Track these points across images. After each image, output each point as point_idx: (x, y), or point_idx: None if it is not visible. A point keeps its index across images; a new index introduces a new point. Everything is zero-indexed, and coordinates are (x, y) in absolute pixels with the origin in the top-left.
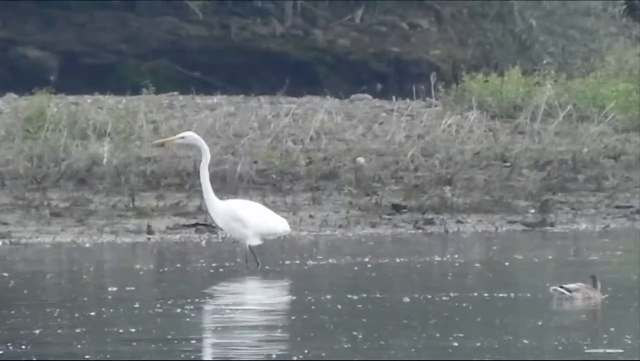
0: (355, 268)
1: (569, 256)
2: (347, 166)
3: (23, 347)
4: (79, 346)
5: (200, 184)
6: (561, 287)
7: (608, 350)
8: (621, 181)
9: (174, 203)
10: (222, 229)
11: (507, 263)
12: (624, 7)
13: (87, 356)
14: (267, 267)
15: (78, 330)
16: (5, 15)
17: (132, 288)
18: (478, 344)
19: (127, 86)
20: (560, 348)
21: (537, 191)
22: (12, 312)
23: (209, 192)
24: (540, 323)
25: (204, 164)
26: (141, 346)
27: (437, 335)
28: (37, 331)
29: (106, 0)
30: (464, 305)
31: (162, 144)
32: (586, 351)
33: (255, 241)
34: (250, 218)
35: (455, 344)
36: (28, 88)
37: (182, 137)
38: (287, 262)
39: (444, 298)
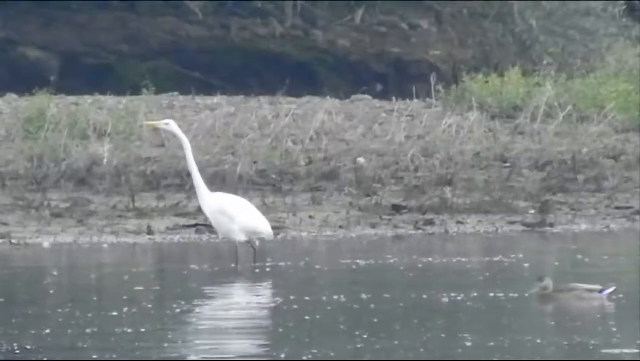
0: (357, 269)
1: (569, 257)
2: (347, 166)
3: (28, 347)
4: (85, 346)
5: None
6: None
7: (624, 350)
8: (621, 181)
9: (174, 203)
10: None
11: (507, 264)
12: (624, 7)
13: (94, 356)
14: (267, 268)
15: (88, 330)
16: (5, 15)
17: (135, 289)
18: (492, 343)
19: (127, 86)
20: (575, 348)
21: (537, 191)
22: (29, 311)
23: (199, 180)
24: (552, 323)
25: (188, 153)
26: (147, 347)
27: (448, 334)
28: (47, 331)
29: (106, 0)
30: (469, 304)
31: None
32: (602, 351)
33: (240, 237)
34: (238, 213)
35: (468, 344)
36: (28, 88)
37: (166, 124)
38: (288, 263)
39: (448, 298)
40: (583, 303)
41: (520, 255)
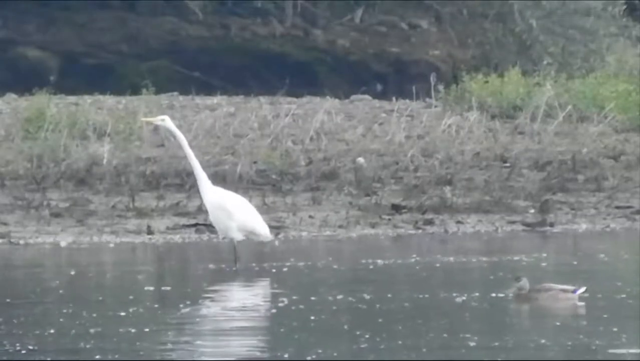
0: (358, 269)
1: (569, 257)
2: (347, 166)
3: (32, 347)
4: (88, 346)
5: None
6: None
7: (629, 350)
8: (621, 181)
9: (174, 203)
10: None
11: (507, 264)
12: (624, 7)
13: (97, 357)
14: (268, 268)
15: (91, 331)
16: (5, 15)
17: (137, 289)
18: (496, 343)
19: (127, 86)
20: (578, 348)
21: (537, 191)
22: (32, 312)
23: (200, 173)
24: (556, 323)
25: (186, 148)
26: (150, 347)
27: (451, 334)
28: (51, 331)
29: (106, 0)
30: (472, 304)
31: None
32: (606, 351)
33: (238, 236)
34: (237, 211)
35: (472, 344)
36: (28, 88)
37: (162, 120)
38: (288, 263)
39: (450, 298)
40: (559, 303)
41: (520, 255)
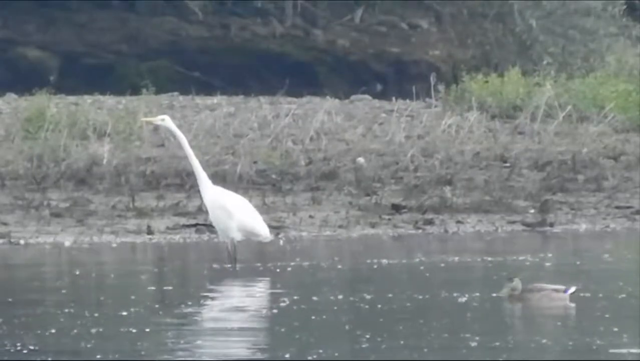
0: (358, 269)
1: (569, 257)
2: (347, 166)
3: (32, 347)
4: (89, 346)
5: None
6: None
7: (630, 350)
8: (621, 181)
9: (174, 203)
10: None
11: (508, 264)
12: (624, 7)
13: (98, 356)
14: (268, 268)
15: (92, 330)
16: (5, 15)
17: (138, 289)
18: (497, 343)
19: (127, 86)
20: (580, 348)
21: (536, 191)
22: (33, 312)
23: (200, 172)
24: (557, 323)
25: (186, 148)
26: (152, 347)
27: (452, 334)
28: (52, 331)
29: (106, 0)
30: (473, 304)
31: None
32: (608, 351)
33: (237, 236)
34: (237, 211)
35: (473, 344)
36: (28, 88)
37: (162, 120)
38: (289, 263)
39: (451, 298)
40: (552, 303)
41: (520, 255)
